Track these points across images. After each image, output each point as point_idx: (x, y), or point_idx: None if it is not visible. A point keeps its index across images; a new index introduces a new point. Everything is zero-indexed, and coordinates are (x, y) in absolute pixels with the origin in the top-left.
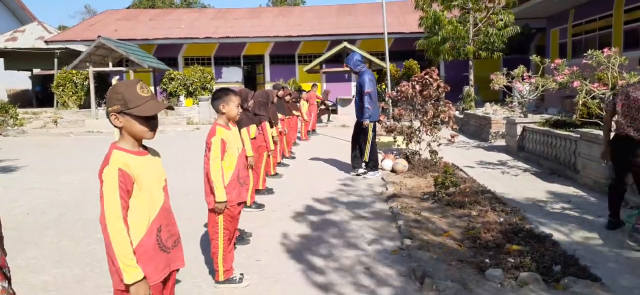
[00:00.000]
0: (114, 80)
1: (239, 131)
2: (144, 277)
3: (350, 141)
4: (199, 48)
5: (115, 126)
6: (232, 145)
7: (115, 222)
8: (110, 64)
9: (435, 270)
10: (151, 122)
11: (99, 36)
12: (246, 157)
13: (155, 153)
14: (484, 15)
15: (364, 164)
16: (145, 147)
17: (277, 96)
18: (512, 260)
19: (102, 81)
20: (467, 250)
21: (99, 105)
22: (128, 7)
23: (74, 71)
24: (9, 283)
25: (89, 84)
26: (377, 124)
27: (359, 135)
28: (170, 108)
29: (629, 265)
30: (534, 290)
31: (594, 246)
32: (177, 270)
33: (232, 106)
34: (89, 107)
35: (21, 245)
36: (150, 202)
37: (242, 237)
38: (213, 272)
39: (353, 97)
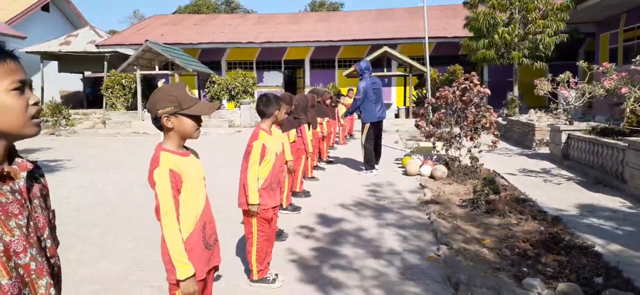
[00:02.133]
0: (160, 84)
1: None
2: (194, 274)
3: (388, 145)
4: (241, 52)
5: (165, 127)
6: (271, 150)
7: (170, 220)
8: (157, 67)
9: (470, 278)
10: (199, 123)
11: (146, 40)
12: (286, 161)
13: (195, 153)
14: (533, 22)
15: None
16: (186, 148)
17: (318, 101)
18: (551, 270)
19: (148, 84)
20: (505, 259)
21: (145, 107)
22: (173, 13)
23: (122, 74)
24: (54, 277)
25: (136, 86)
26: (415, 127)
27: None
28: (219, 108)
29: None
30: None
31: (639, 259)
32: (216, 268)
33: (282, 112)
34: (135, 109)
35: (71, 239)
36: (196, 200)
37: (280, 233)
38: (248, 271)
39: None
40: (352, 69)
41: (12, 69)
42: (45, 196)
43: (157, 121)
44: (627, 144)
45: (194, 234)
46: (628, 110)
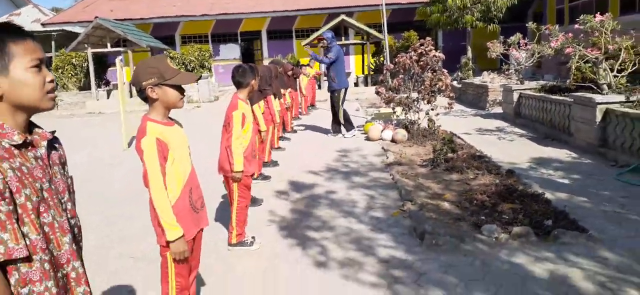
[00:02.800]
0: (117, 61)
1: (252, 107)
2: (183, 235)
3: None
4: (195, 26)
5: (150, 98)
6: (249, 119)
7: (157, 186)
8: (109, 44)
9: (434, 228)
10: (182, 92)
11: (96, 17)
12: (259, 131)
13: (179, 124)
14: None
15: (341, 127)
16: (171, 119)
17: (280, 72)
18: (507, 217)
19: (101, 62)
20: (465, 210)
21: (98, 86)
22: None
23: (72, 53)
24: (75, 235)
25: (87, 65)
26: (376, 93)
27: (333, 105)
28: (199, 78)
29: (615, 219)
30: (526, 243)
31: (584, 203)
32: (202, 229)
33: (257, 81)
34: (89, 88)
35: None
36: (182, 167)
37: (255, 200)
38: (226, 235)
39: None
40: (311, 38)
41: (31, 48)
42: (63, 163)
43: (141, 93)
44: (572, 100)
45: (182, 199)
46: (573, 67)
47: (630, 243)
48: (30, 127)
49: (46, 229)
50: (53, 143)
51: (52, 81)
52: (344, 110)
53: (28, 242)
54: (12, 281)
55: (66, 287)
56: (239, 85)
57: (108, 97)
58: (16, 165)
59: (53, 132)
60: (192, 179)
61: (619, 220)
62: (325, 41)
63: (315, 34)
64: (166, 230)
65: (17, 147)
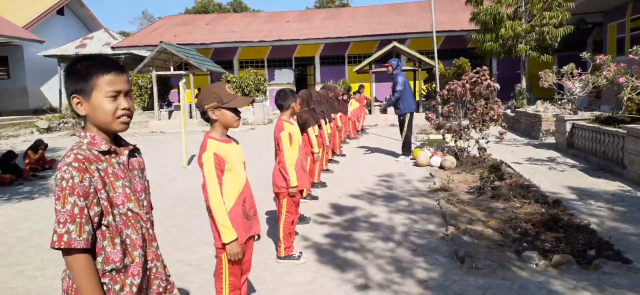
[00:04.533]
0: (181, 84)
1: (306, 130)
2: (237, 238)
3: (397, 138)
4: (252, 51)
5: (211, 119)
6: (296, 138)
7: (215, 194)
8: (172, 67)
9: (475, 252)
10: (238, 114)
11: (161, 41)
12: (312, 153)
13: (236, 141)
14: (538, 14)
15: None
16: (229, 136)
17: (331, 97)
18: (549, 246)
19: (164, 84)
20: (507, 237)
21: (161, 107)
22: (184, 12)
23: (138, 75)
24: (151, 226)
25: (152, 86)
26: (426, 119)
27: (401, 127)
28: (253, 102)
29: None
30: (566, 271)
31: (631, 235)
32: (256, 237)
33: (298, 103)
34: (152, 108)
35: None
36: (238, 179)
37: (303, 218)
38: (275, 249)
39: (390, 97)
40: (363, 64)
41: (112, 80)
42: (142, 169)
43: (204, 114)
44: (626, 131)
45: (236, 206)
46: (625, 98)
47: None
48: (117, 140)
49: (123, 218)
50: (134, 153)
51: (126, 109)
52: (407, 136)
53: (111, 228)
54: (98, 260)
55: (145, 265)
56: (281, 107)
57: (169, 118)
58: (102, 167)
59: (134, 145)
60: (246, 190)
61: None
62: (390, 67)
63: (367, 61)
64: (222, 233)
65: (104, 153)
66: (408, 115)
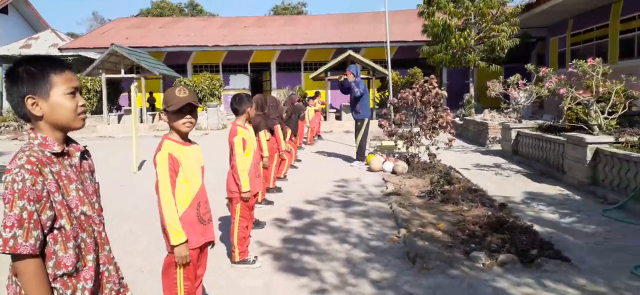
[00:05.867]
0: (132, 87)
1: (257, 134)
2: (186, 241)
3: (352, 144)
4: (207, 56)
5: (166, 122)
6: (250, 143)
7: (166, 195)
8: (122, 70)
9: (426, 253)
10: (186, 117)
11: (112, 44)
12: (261, 156)
13: (196, 144)
14: (487, 26)
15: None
16: (189, 140)
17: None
18: (495, 246)
19: (114, 88)
20: (456, 238)
21: (110, 111)
22: (136, 15)
23: (87, 78)
24: (103, 228)
25: (101, 90)
26: (379, 126)
27: (357, 132)
28: (195, 103)
29: (596, 250)
30: (511, 269)
31: (570, 236)
32: (210, 244)
33: (253, 109)
34: (101, 112)
35: None
36: (193, 182)
37: (258, 223)
38: (230, 254)
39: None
40: (319, 71)
41: (68, 78)
42: (92, 171)
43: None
44: (565, 139)
45: (190, 209)
46: (566, 108)
47: (608, 273)
48: (67, 141)
49: (76, 221)
50: (84, 155)
51: (83, 105)
52: (362, 141)
53: (64, 232)
54: (49, 264)
55: (97, 269)
56: (236, 112)
57: (119, 122)
58: (55, 169)
59: (85, 146)
60: (201, 194)
61: (600, 251)
62: (352, 74)
63: (323, 68)
64: (171, 235)
65: (56, 155)
66: (366, 120)
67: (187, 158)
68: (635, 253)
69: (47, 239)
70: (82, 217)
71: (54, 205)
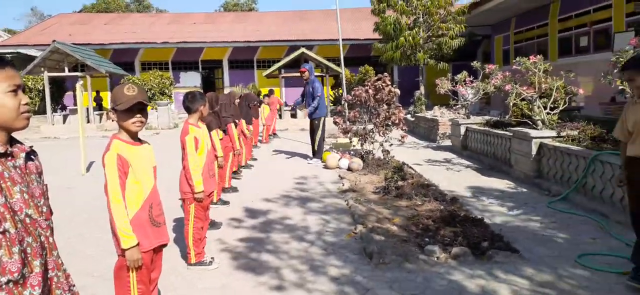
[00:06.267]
0: (77, 86)
1: (209, 133)
2: (137, 244)
3: (308, 142)
4: (156, 53)
5: (115, 121)
6: (202, 142)
7: (115, 197)
8: (66, 68)
9: (382, 248)
10: (136, 116)
11: (54, 40)
12: (215, 156)
13: (147, 144)
14: (435, 25)
15: (312, 153)
16: (139, 140)
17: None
18: (448, 239)
19: (58, 86)
20: (411, 233)
21: (54, 110)
22: (80, 11)
23: (28, 76)
24: (51, 233)
25: (43, 89)
26: (334, 124)
27: (313, 131)
28: (145, 102)
29: (543, 240)
30: (463, 262)
31: (518, 227)
32: (164, 246)
33: (206, 107)
34: (44, 112)
35: None
36: (144, 184)
37: (214, 223)
38: (186, 255)
39: (300, 100)
40: (273, 69)
41: (10, 75)
42: (39, 173)
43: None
44: (512, 134)
45: (141, 211)
46: (511, 104)
47: (553, 262)
48: (11, 142)
49: (20, 225)
50: (30, 156)
51: (26, 104)
52: (321, 138)
53: (8, 236)
54: None
55: (45, 275)
56: (188, 110)
57: (64, 122)
58: None
59: (31, 147)
60: (153, 196)
61: (546, 242)
62: (307, 72)
63: (277, 65)
64: (121, 238)
65: None
66: (322, 119)
67: (138, 158)
68: (578, 243)
69: None
70: (28, 220)
71: None
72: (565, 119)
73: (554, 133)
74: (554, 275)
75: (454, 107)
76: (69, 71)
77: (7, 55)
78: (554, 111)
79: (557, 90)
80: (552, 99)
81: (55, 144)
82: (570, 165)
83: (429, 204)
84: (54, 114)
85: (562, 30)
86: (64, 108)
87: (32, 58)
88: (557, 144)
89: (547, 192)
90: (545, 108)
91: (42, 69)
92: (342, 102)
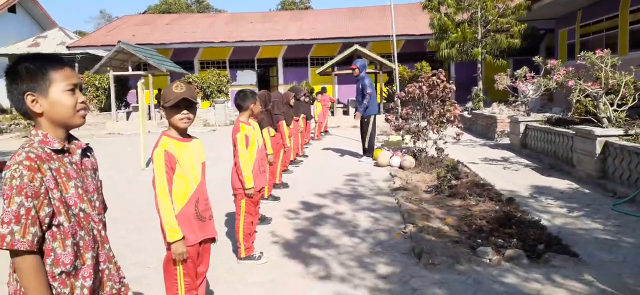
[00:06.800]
0: (139, 85)
1: (261, 130)
2: (183, 238)
3: (359, 140)
4: (214, 52)
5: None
6: (253, 139)
7: (162, 192)
8: (130, 68)
9: (432, 248)
10: (183, 113)
11: (119, 41)
12: (266, 154)
13: (196, 140)
14: (493, 20)
15: (363, 151)
16: (188, 136)
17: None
18: (502, 241)
19: (122, 85)
20: (463, 234)
21: (118, 108)
22: (144, 12)
23: (95, 75)
24: (103, 227)
25: (109, 87)
26: (385, 121)
27: (363, 128)
28: (190, 100)
29: (606, 245)
30: (517, 265)
31: (578, 230)
32: (213, 241)
33: (258, 105)
34: (109, 110)
35: None
36: (191, 178)
37: (264, 219)
38: (236, 249)
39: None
40: (326, 66)
41: (68, 74)
42: (95, 169)
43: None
44: (574, 132)
45: (188, 206)
46: (574, 101)
47: (616, 268)
48: (69, 138)
49: (74, 218)
50: (87, 152)
51: (83, 102)
52: (371, 137)
53: (62, 229)
54: (48, 261)
55: (96, 267)
56: (239, 108)
57: (127, 119)
58: (54, 166)
59: (87, 144)
60: (200, 191)
61: (610, 246)
62: (357, 69)
63: (330, 63)
64: (167, 232)
65: (57, 152)
66: (372, 117)
67: (186, 154)
68: None
69: (46, 236)
70: (81, 215)
71: (53, 202)
72: (634, 117)
73: (620, 131)
74: (617, 281)
75: (514, 104)
76: (133, 70)
77: (77, 56)
78: (622, 108)
79: (625, 85)
80: (619, 96)
81: (118, 139)
82: (639, 166)
83: (484, 204)
84: (118, 111)
85: (633, 22)
86: (127, 105)
87: (99, 58)
88: (625, 142)
89: (612, 193)
90: (612, 105)
91: (108, 68)
92: (395, 99)
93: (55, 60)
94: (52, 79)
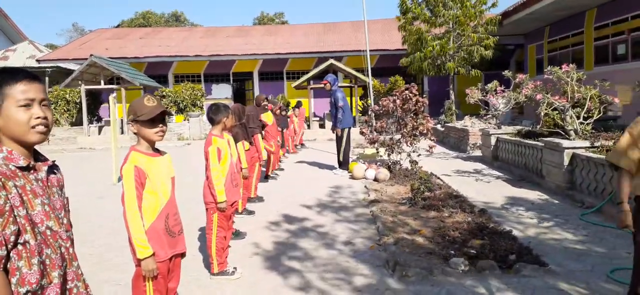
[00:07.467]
0: (111, 99)
1: (236, 144)
2: (153, 254)
3: (335, 152)
4: (189, 65)
5: (134, 133)
6: (225, 153)
7: (131, 208)
8: (102, 82)
9: (406, 261)
10: (159, 126)
11: (91, 55)
12: (241, 168)
13: (166, 154)
14: (466, 34)
15: (338, 164)
16: (158, 150)
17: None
18: (474, 252)
19: (94, 99)
20: (437, 245)
21: (90, 122)
22: (117, 26)
23: (66, 89)
24: (71, 244)
25: (80, 101)
26: (360, 134)
27: (338, 141)
28: (166, 113)
29: (575, 254)
30: (490, 275)
31: (548, 240)
32: (183, 255)
33: (230, 119)
34: (81, 124)
35: None
36: (161, 193)
37: (239, 233)
38: (208, 265)
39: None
40: (302, 80)
41: (23, 89)
42: (61, 186)
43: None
44: (543, 144)
45: (157, 222)
46: (542, 114)
47: (585, 276)
48: (35, 155)
49: (40, 237)
50: (53, 169)
51: (39, 117)
52: (346, 150)
53: (28, 247)
54: (13, 281)
55: (64, 286)
56: (212, 121)
57: (99, 133)
58: (20, 183)
59: (54, 161)
60: (170, 206)
61: (578, 255)
62: (328, 84)
63: (305, 77)
64: (136, 248)
65: (22, 169)
66: (347, 130)
67: (155, 169)
68: (612, 257)
69: (11, 255)
70: (48, 232)
71: (18, 220)
72: (599, 129)
73: (587, 143)
74: (585, 290)
75: (485, 117)
76: (105, 84)
77: (47, 69)
78: (588, 121)
79: (590, 99)
80: (585, 109)
81: (90, 154)
82: (605, 177)
83: (457, 215)
84: (90, 125)
85: (598, 38)
86: (99, 119)
87: (71, 71)
88: (591, 154)
89: (581, 204)
90: (578, 118)
91: (80, 82)
92: (369, 113)
93: (11, 74)
94: (6, 94)
